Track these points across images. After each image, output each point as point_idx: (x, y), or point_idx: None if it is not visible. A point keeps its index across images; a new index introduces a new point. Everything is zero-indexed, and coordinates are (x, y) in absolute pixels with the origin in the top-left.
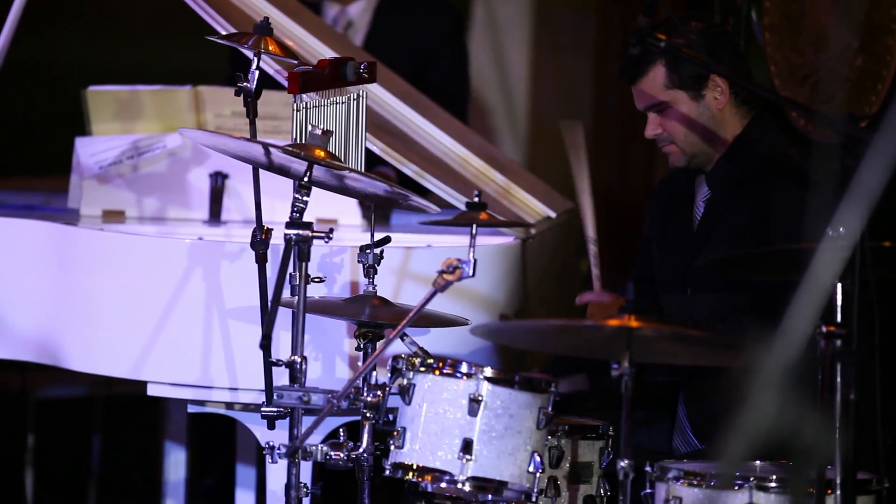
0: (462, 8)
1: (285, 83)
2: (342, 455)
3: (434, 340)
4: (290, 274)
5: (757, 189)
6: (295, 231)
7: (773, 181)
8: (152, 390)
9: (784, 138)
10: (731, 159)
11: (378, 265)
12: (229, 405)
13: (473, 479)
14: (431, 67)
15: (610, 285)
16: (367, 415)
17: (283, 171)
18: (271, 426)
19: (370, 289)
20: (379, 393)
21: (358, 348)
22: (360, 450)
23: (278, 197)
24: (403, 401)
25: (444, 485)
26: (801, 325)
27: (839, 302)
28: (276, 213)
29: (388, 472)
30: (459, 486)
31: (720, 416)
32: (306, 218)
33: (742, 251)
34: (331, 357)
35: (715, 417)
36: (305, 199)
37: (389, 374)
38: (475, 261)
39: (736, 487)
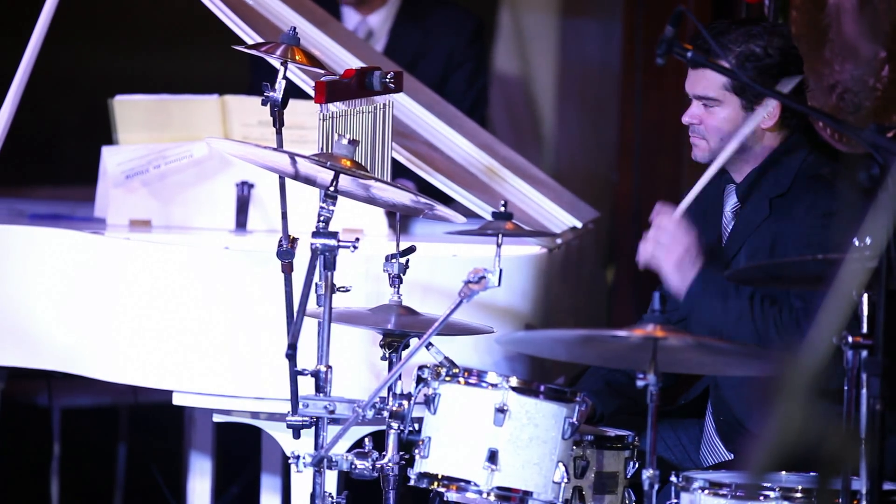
0: (488, 17)
1: (312, 92)
2: (367, 464)
3: (459, 350)
4: (316, 283)
5: (787, 206)
6: (321, 240)
7: (801, 197)
8: (178, 399)
9: (817, 156)
10: (761, 174)
11: (403, 275)
12: (255, 414)
13: (498, 488)
14: (453, 74)
15: (637, 297)
16: (393, 424)
17: (309, 180)
18: (297, 435)
19: (395, 298)
20: (404, 402)
21: (383, 358)
22: (386, 459)
23: (304, 206)
24: (429, 410)
25: (469, 494)
26: (826, 335)
27: (865, 312)
28: (302, 223)
29: (413, 482)
30: (484, 495)
31: (749, 425)
32: (332, 227)
33: (768, 262)
34: (356, 366)
35: (744, 426)
36: (332, 208)
37: (415, 384)
38: (501, 270)
39: (761, 498)
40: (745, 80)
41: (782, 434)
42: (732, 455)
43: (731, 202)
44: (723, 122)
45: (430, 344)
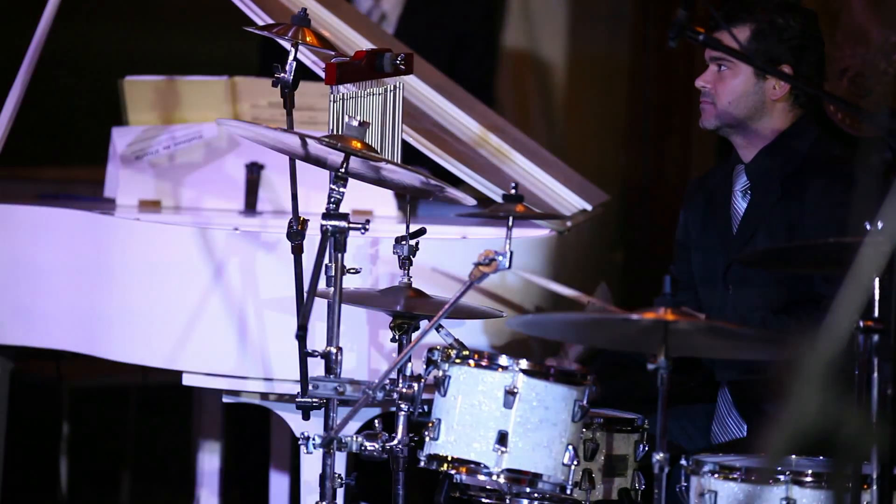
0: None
1: (322, 74)
2: (377, 446)
3: (469, 332)
4: (326, 265)
5: (800, 187)
6: (331, 222)
7: (815, 179)
8: (187, 380)
9: (827, 136)
10: (771, 154)
11: (413, 257)
12: (264, 395)
13: (508, 470)
14: (462, 55)
15: (648, 278)
16: (402, 406)
17: (319, 162)
18: (306, 417)
19: (405, 280)
20: (414, 384)
21: (393, 339)
22: (395, 441)
23: (314, 188)
24: (439, 392)
25: (479, 476)
26: (844, 320)
27: (877, 297)
28: (312, 205)
29: (422, 464)
30: (494, 477)
31: (767, 403)
32: (342, 209)
33: (782, 246)
34: (366, 348)
35: (762, 402)
36: (342, 190)
37: (425, 366)
38: (511, 253)
39: (772, 482)
40: (755, 62)
41: (799, 418)
42: (747, 425)
43: (740, 182)
44: (734, 87)
45: (441, 326)
